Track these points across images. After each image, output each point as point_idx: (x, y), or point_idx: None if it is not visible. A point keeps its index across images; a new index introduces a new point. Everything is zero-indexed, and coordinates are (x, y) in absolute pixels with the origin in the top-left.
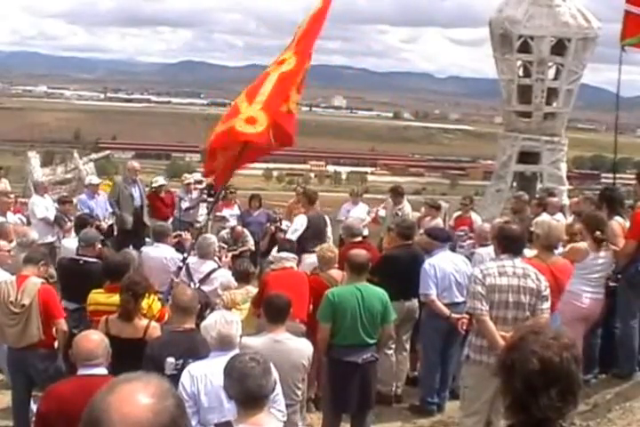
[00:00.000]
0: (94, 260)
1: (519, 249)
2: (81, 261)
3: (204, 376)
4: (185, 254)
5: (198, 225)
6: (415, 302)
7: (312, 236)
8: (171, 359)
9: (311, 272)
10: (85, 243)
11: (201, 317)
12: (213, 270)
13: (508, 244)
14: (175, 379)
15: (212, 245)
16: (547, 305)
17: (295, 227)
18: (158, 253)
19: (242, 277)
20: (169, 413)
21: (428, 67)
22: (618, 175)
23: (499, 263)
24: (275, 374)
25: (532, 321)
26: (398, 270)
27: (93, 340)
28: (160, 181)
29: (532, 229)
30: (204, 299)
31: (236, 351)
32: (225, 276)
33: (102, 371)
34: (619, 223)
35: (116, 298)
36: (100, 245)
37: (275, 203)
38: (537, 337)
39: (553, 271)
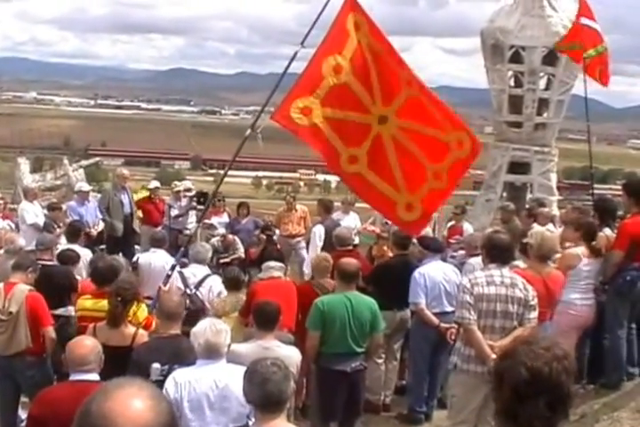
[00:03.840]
0: (52, 263)
1: (507, 259)
2: (39, 265)
3: (188, 383)
4: (174, 262)
5: (188, 232)
6: (408, 311)
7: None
8: (156, 365)
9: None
10: (43, 246)
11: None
12: (207, 276)
13: (497, 253)
14: (160, 385)
15: (209, 252)
16: (534, 315)
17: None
18: (158, 260)
19: (232, 285)
20: (168, 413)
21: (420, 76)
22: (607, 186)
23: (487, 273)
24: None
25: (522, 330)
26: (392, 280)
27: (86, 345)
28: (155, 183)
29: (527, 239)
30: (200, 304)
31: (224, 361)
32: (217, 282)
33: (94, 377)
34: (606, 236)
35: (103, 303)
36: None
37: (264, 211)
38: (528, 347)
39: (546, 282)
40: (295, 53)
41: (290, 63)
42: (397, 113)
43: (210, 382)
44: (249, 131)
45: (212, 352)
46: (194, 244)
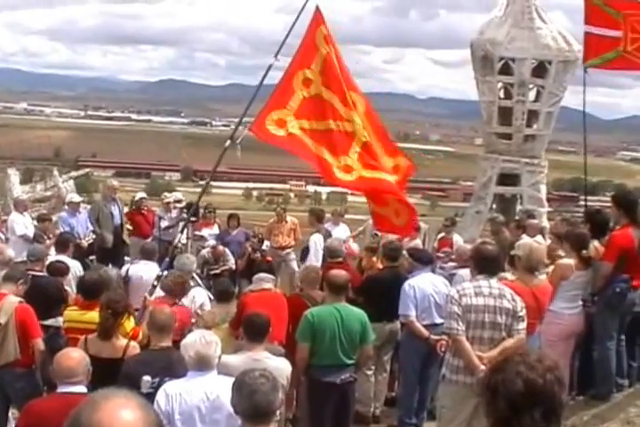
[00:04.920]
0: (43, 274)
1: (495, 270)
2: (30, 276)
3: (179, 395)
4: (159, 273)
5: (178, 244)
6: (397, 323)
7: None
8: (147, 377)
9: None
10: (34, 257)
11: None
12: (191, 287)
13: (485, 264)
14: (151, 397)
15: (194, 264)
16: (522, 325)
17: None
18: (149, 272)
19: (222, 297)
20: (157, 423)
21: (410, 87)
22: (596, 198)
23: (475, 284)
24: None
25: (511, 341)
26: (382, 292)
27: (74, 357)
28: (141, 194)
29: (514, 251)
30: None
31: (214, 372)
32: (200, 294)
33: (82, 389)
34: (595, 248)
35: (90, 315)
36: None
37: (254, 222)
38: (521, 359)
39: (535, 294)
40: (270, 66)
41: (265, 75)
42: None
43: (201, 394)
44: (228, 142)
45: (202, 364)
46: (179, 255)
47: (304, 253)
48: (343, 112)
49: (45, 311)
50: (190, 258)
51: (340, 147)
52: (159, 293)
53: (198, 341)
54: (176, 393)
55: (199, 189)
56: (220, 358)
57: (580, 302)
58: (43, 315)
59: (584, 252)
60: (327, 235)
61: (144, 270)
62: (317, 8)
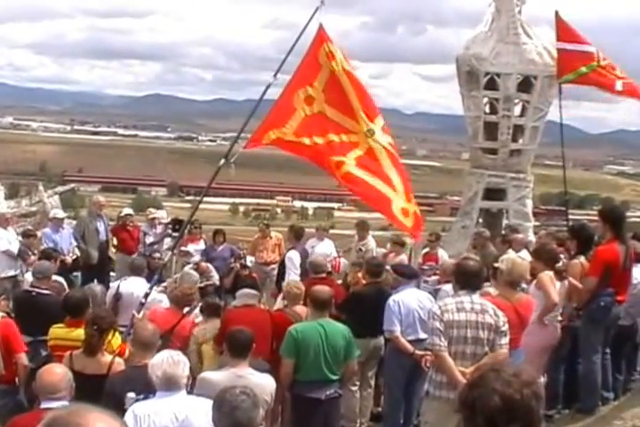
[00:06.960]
0: (48, 292)
1: (477, 285)
2: (34, 293)
3: (148, 416)
4: (147, 290)
5: (158, 256)
6: (381, 339)
7: None
8: (131, 395)
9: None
10: (41, 275)
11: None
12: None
13: (466, 280)
14: None
15: (197, 282)
16: (505, 340)
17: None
18: (140, 288)
19: (211, 312)
20: None
21: (397, 102)
22: (584, 212)
23: (457, 299)
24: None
25: (490, 356)
26: (366, 308)
27: (57, 373)
28: (127, 210)
29: (497, 264)
30: None
31: (183, 392)
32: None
33: (65, 404)
34: (580, 263)
35: (76, 333)
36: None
37: (240, 238)
38: (497, 374)
39: (517, 308)
40: (269, 85)
41: (264, 93)
42: (382, 129)
43: (170, 415)
44: (223, 160)
45: (170, 384)
46: (182, 270)
47: (280, 269)
48: (349, 125)
49: (46, 329)
50: (192, 273)
51: (340, 150)
52: (165, 303)
53: (165, 360)
54: (145, 414)
55: (186, 205)
56: (188, 377)
57: (559, 317)
58: (43, 332)
59: (558, 265)
60: (303, 253)
61: (135, 287)
62: (321, 26)
